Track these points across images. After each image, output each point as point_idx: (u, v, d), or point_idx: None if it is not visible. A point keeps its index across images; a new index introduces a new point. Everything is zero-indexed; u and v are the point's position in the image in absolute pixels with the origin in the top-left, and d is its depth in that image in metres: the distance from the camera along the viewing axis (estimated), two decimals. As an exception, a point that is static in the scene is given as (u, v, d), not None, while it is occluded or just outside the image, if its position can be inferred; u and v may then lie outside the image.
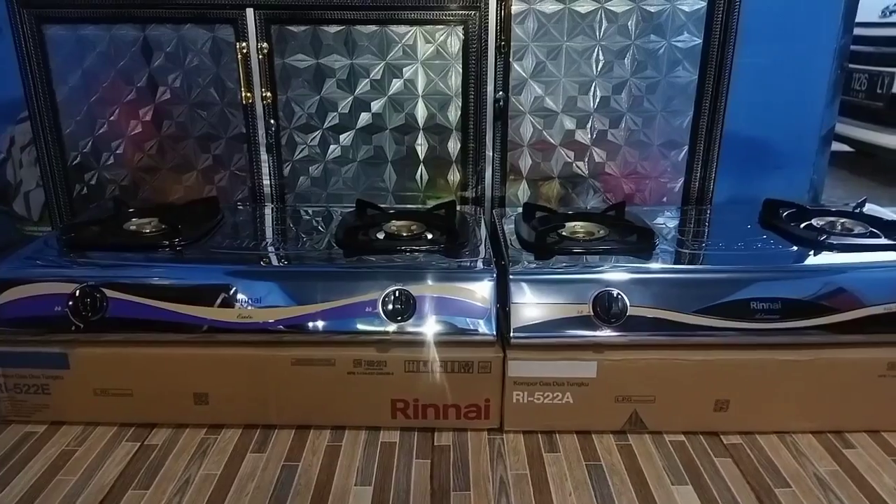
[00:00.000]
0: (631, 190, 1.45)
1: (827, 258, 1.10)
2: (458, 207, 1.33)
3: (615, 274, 1.06)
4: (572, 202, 1.46)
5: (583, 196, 1.46)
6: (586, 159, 1.42)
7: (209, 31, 1.33)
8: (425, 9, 1.31)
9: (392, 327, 1.04)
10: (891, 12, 3.01)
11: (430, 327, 1.04)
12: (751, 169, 1.59)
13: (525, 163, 1.43)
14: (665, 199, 1.46)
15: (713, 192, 1.45)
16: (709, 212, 1.42)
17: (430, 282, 1.06)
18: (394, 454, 1.03)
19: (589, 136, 1.41)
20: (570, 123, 1.40)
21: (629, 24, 1.33)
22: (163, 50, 1.35)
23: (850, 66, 3.04)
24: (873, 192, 3.00)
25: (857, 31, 3.39)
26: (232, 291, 1.04)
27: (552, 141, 1.41)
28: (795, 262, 1.08)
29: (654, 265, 1.08)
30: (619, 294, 1.03)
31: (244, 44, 1.32)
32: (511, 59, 1.34)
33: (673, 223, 1.32)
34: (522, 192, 1.45)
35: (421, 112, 1.38)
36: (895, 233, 1.19)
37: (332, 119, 1.38)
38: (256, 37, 1.32)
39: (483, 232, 1.25)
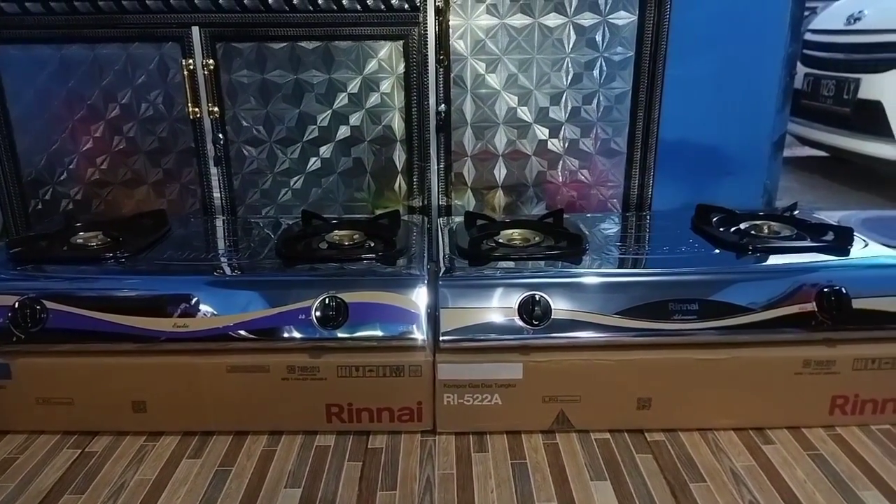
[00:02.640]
0: (573, 197, 1.50)
1: (743, 261, 1.14)
2: (404, 216, 1.37)
3: (540, 279, 1.10)
4: (517, 210, 1.50)
5: (529, 204, 1.50)
6: (528, 168, 1.47)
7: (157, 49, 1.37)
8: (366, 25, 1.35)
9: (324, 334, 1.07)
10: (855, 19, 3.08)
11: (362, 333, 1.08)
12: (703, 175, 1.64)
13: (469, 172, 1.47)
14: (608, 206, 1.51)
15: (651, 199, 1.50)
16: (648, 218, 1.46)
17: (363, 289, 1.09)
18: (327, 457, 1.06)
19: (530, 146, 1.45)
20: (511, 134, 1.44)
21: (563, 38, 1.38)
22: (112, 68, 1.39)
23: (818, 72, 3.12)
24: (844, 196, 3.06)
25: (825, 38, 3.48)
26: (168, 301, 1.07)
27: (494, 151, 1.45)
28: (713, 265, 1.12)
29: (577, 269, 1.12)
30: (542, 298, 1.07)
31: (190, 61, 1.36)
32: (451, 73, 1.39)
33: (612, 229, 1.36)
34: (468, 201, 1.49)
35: (366, 124, 1.42)
36: (819, 235, 1.23)
37: (279, 132, 1.42)
38: (202, 54, 1.36)
39: (424, 240, 1.29)
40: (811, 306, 1.07)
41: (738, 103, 1.57)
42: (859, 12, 3.06)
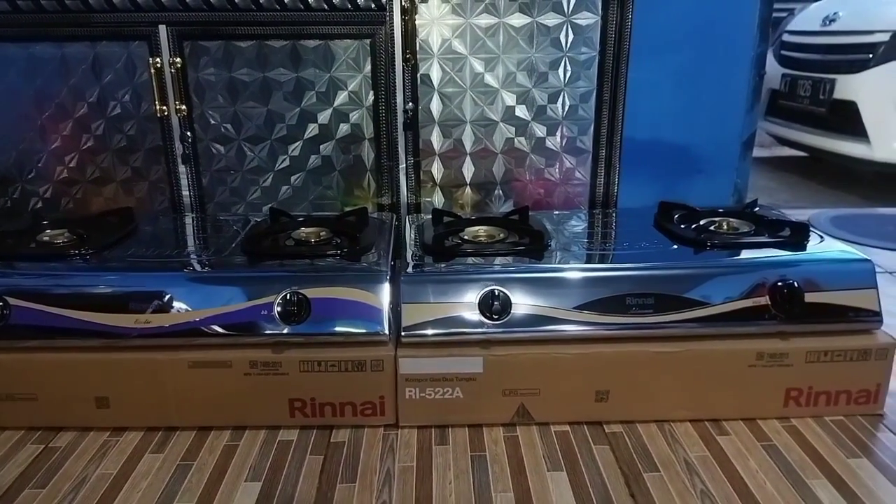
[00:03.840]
0: (540, 195, 1.51)
1: (700, 256, 1.17)
2: (373, 214, 1.39)
3: (501, 274, 1.11)
4: (486, 208, 1.52)
5: (497, 202, 1.52)
6: (495, 166, 1.48)
7: (124, 48, 1.38)
8: (333, 24, 1.36)
9: (286, 329, 1.08)
10: (830, 21, 3.12)
11: (324, 328, 1.09)
12: (675, 174, 1.66)
13: (438, 170, 1.48)
14: (575, 204, 1.53)
15: (617, 197, 1.52)
16: (613, 215, 1.48)
17: (325, 285, 1.10)
18: (289, 452, 1.07)
19: (497, 144, 1.47)
20: (478, 132, 1.46)
21: (529, 37, 1.40)
22: (80, 66, 1.39)
23: (795, 73, 3.16)
24: (820, 195, 3.11)
25: (801, 39, 3.52)
26: (131, 298, 1.08)
27: (462, 149, 1.47)
28: (669, 260, 1.14)
29: (537, 265, 1.14)
30: (502, 292, 1.09)
31: (158, 59, 1.37)
32: (418, 72, 1.40)
33: (576, 226, 1.38)
34: (437, 198, 1.50)
35: (334, 123, 1.43)
36: (776, 231, 1.26)
37: (247, 130, 1.43)
38: (169, 52, 1.36)
39: (390, 237, 1.30)
40: (765, 300, 1.10)
41: (707, 103, 1.60)
42: (834, 14, 3.10)
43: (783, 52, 3.31)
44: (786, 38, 3.33)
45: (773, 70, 3.31)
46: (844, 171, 3.21)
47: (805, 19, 3.32)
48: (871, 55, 2.82)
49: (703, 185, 1.68)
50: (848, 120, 2.85)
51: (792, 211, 2.60)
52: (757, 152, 4.14)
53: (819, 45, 3.11)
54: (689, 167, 1.67)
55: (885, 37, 2.79)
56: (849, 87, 2.87)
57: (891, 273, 1.78)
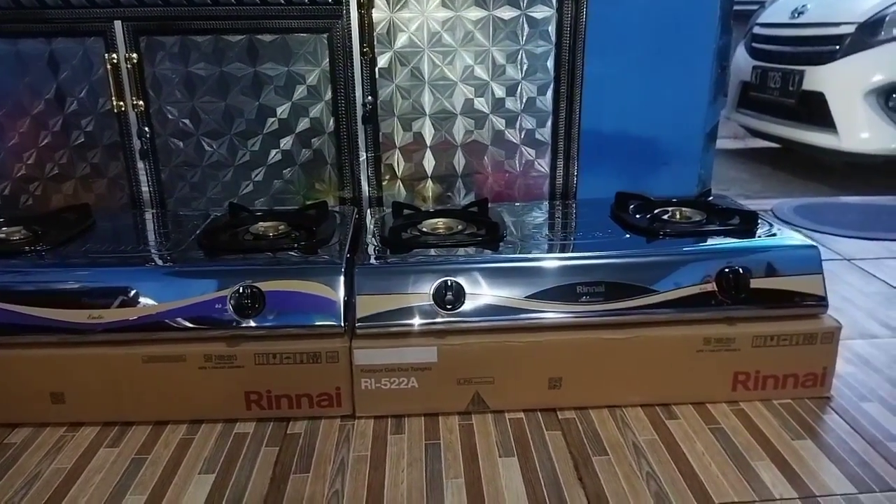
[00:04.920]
0: (501, 187, 1.53)
1: (649, 244, 1.19)
2: (335, 207, 1.39)
3: (454, 265, 1.13)
4: (448, 200, 1.53)
5: (459, 194, 1.53)
6: (455, 159, 1.50)
7: (80, 44, 1.37)
8: (290, 18, 1.36)
9: (241, 322, 1.09)
10: (799, 13, 3.16)
11: (279, 321, 1.10)
12: (639, 166, 1.68)
13: (399, 164, 1.49)
14: (535, 195, 1.54)
15: (577, 188, 1.54)
16: (572, 206, 1.50)
17: (279, 278, 1.11)
18: (245, 444, 1.08)
19: (457, 136, 1.48)
20: (437, 125, 1.47)
21: (485, 31, 1.41)
22: (36, 63, 1.38)
23: (766, 64, 3.20)
24: (790, 185, 3.16)
25: (771, 31, 3.56)
26: (83, 293, 1.08)
27: (422, 142, 1.48)
28: (619, 249, 1.16)
29: (490, 255, 1.16)
30: (455, 283, 1.10)
31: (114, 55, 1.36)
32: (376, 65, 1.41)
33: (535, 217, 1.39)
34: (399, 191, 1.51)
35: (294, 117, 1.44)
36: (727, 219, 1.28)
37: (206, 125, 1.43)
38: (125, 47, 1.36)
39: (349, 230, 1.31)
40: (711, 286, 1.12)
41: (670, 95, 1.62)
42: (802, 6, 3.14)
43: (754, 45, 3.35)
44: (756, 30, 3.37)
45: (745, 62, 3.35)
46: (814, 161, 3.27)
47: (775, 12, 3.36)
48: (837, 47, 2.86)
49: (667, 177, 1.70)
50: (816, 111, 2.90)
51: (759, 201, 2.64)
52: (730, 144, 4.21)
53: (788, 37, 3.15)
54: (654, 159, 1.69)
55: (851, 28, 2.83)
56: (817, 78, 2.91)
57: (849, 260, 1.82)
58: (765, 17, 3.40)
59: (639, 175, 1.67)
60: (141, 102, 1.39)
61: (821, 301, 1.15)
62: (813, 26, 3.03)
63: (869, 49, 2.76)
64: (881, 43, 2.74)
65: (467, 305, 1.11)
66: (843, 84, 2.83)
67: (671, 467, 1.00)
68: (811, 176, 3.23)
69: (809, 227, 2.12)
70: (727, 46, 1.86)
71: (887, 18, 2.75)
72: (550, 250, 1.19)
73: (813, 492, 0.95)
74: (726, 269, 1.12)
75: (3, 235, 1.26)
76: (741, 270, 1.11)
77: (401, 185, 1.51)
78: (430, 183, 1.51)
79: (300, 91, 1.42)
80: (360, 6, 1.36)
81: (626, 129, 1.62)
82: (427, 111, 1.45)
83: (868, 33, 2.79)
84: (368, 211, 1.48)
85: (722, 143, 4.15)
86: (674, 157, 1.69)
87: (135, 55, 1.36)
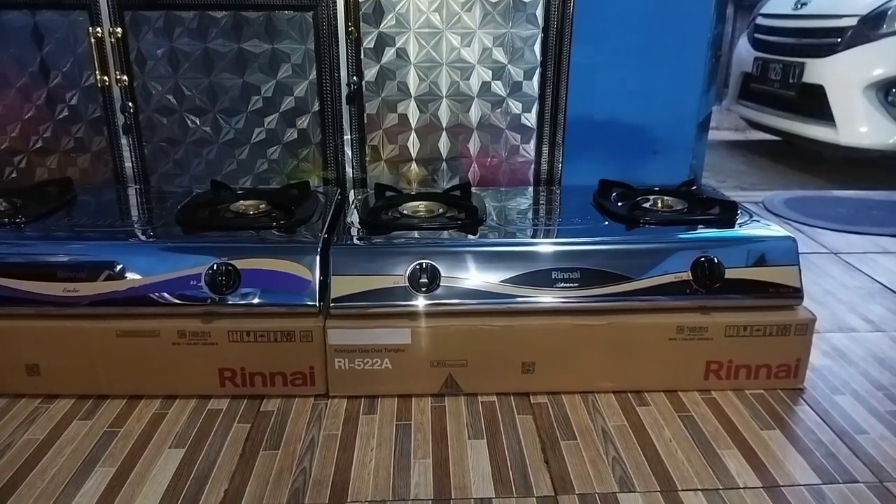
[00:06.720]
0: (486, 172, 1.52)
1: (626, 232, 1.19)
2: (318, 188, 1.39)
3: (430, 248, 1.13)
4: (433, 184, 1.53)
5: (443, 177, 1.53)
6: (440, 142, 1.49)
7: (65, 17, 1.36)
8: (276, -5, 1.36)
9: (215, 299, 1.09)
10: (802, 4, 3.13)
11: (253, 299, 1.10)
12: (631, 155, 1.67)
13: (384, 145, 1.49)
14: (520, 181, 1.54)
15: (562, 174, 1.53)
16: (556, 192, 1.50)
17: (255, 256, 1.11)
18: (217, 420, 1.08)
19: (442, 119, 1.47)
20: (422, 107, 1.46)
21: (472, 13, 1.39)
22: (20, 36, 1.37)
23: (767, 56, 3.17)
24: (788, 177, 3.14)
25: (773, 22, 3.52)
26: (59, 266, 1.08)
27: (407, 124, 1.47)
28: (597, 236, 1.16)
29: (466, 239, 1.16)
30: (430, 265, 1.10)
31: (98, 28, 1.35)
32: (361, 45, 1.40)
33: (517, 203, 1.39)
34: (383, 173, 1.51)
35: (278, 95, 1.43)
36: (707, 209, 1.28)
37: (190, 101, 1.43)
38: (110, 21, 1.35)
39: (329, 210, 1.31)
40: (686, 275, 1.12)
41: (663, 84, 1.61)
42: (805, -3, 3.11)
43: (756, 36, 3.32)
44: (759, 21, 3.34)
45: (747, 53, 3.32)
46: (813, 154, 3.25)
47: (778, 3, 3.33)
48: (839, 39, 2.84)
49: (658, 166, 1.69)
50: (816, 104, 2.88)
51: (753, 193, 2.64)
52: (731, 136, 4.18)
53: (790, 28, 3.12)
54: (645, 147, 1.68)
55: (853, 21, 2.80)
56: (817, 71, 2.89)
57: (835, 254, 1.81)
58: (768, 7, 3.37)
59: (630, 163, 1.67)
60: (125, 77, 1.38)
61: (796, 293, 1.15)
62: (815, 18, 3.00)
63: (870, 43, 2.74)
64: (883, 37, 2.72)
65: (442, 288, 1.11)
66: (843, 77, 2.80)
67: (637, 453, 1.01)
68: (809, 169, 3.21)
69: (799, 219, 2.11)
70: (721, 35, 1.85)
71: (889, 12, 2.72)
72: (528, 235, 1.18)
73: (777, 481, 0.96)
74: (702, 259, 1.12)
75: (-17, 208, 1.26)
76: (716, 260, 1.11)
77: (385, 166, 1.51)
78: (414, 166, 1.51)
79: (285, 69, 1.41)
80: (346, -15, 1.35)
81: (616, 117, 1.61)
82: (412, 93, 1.45)
83: (870, 27, 2.76)
84: (351, 192, 1.48)
85: (722, 135, 4.15)
86: (666, 145, 1.68)
87: (119, 29, 1.35)
